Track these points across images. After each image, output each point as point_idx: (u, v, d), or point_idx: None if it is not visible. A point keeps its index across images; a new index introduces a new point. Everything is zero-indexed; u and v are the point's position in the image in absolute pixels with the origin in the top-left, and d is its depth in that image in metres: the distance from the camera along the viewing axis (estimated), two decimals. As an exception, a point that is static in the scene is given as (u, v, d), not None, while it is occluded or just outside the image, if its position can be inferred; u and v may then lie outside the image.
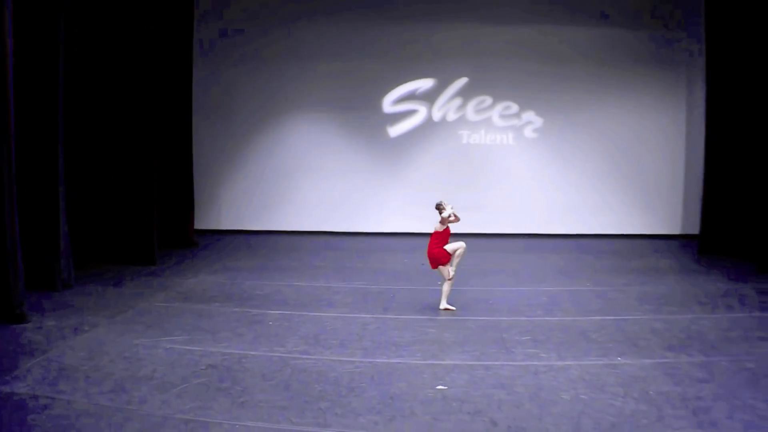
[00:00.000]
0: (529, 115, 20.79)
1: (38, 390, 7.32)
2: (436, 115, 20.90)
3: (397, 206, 20.68)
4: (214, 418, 6.68)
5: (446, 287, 11.23)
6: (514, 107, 20.81)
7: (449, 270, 11.16)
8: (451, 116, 20.88)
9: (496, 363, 8.45)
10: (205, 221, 20.53)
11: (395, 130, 20.99)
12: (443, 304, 11.19)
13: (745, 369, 8.18)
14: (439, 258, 11.13)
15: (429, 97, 20.91)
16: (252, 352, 8.81)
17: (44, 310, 10.82)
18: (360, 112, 20.89)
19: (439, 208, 11.20)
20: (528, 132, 20.85)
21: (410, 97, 20.90)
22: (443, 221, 11.13)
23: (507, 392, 7.41)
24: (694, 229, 18.80)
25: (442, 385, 7.64)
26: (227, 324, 10.22)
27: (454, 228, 11.32)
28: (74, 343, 9.10)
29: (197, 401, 7.09)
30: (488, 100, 20.79)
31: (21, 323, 10.04)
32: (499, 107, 20.81)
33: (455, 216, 11.16)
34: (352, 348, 9.12)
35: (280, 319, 10.55)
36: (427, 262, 11.36)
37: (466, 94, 20.84)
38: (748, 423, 6.61)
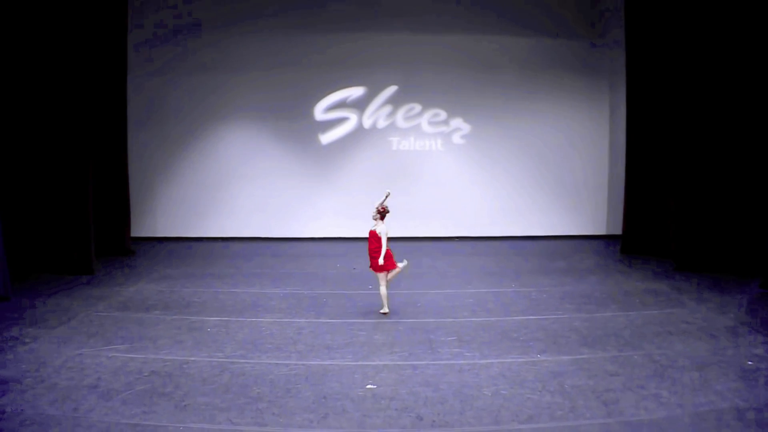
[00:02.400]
0: (457, 122, 21.26)
1: (-18, 404, 7.41)
2: (367, 123, 21.24)
3: (329, 212, 20.94)
4: (159, 422, 6.98)
5: (384, 290, 11.44)
6: (443, 114, 21.27)
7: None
8: (382, 123, 21.25)
9: (423, 363, 8.88)
10: (140, 228, 20.53)
11: (327, 138, 21.28)
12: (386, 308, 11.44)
13: (654, 362, 8.78)
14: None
15: (359, 105, 21.24)
16: (192, 358, 9.07)
17: (-19, 324, 10.76)
18: (292, 119, 21.13)
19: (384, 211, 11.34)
20: (456, 138, 21.32)
21: (341, 105, 21.21)
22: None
23: (432, 389, 7.85)
24: (619, 229, 19.40)
25: (371, 384, 8.05)
26: (167, 331, 10.42)
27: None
28: (15, 355, 9.15)
29: (142, 406, 7.35)
30: (417, 107, 21.23)
31: (-43, 337, 9.94)
32: (428, 114, 21.26)
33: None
34: (288, 351, 9.44)
35: (218, 326, 10.78)
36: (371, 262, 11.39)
37: (395, 101, 21.23)
38: (652, 410, 7.21)
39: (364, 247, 11.74)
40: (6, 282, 12.55)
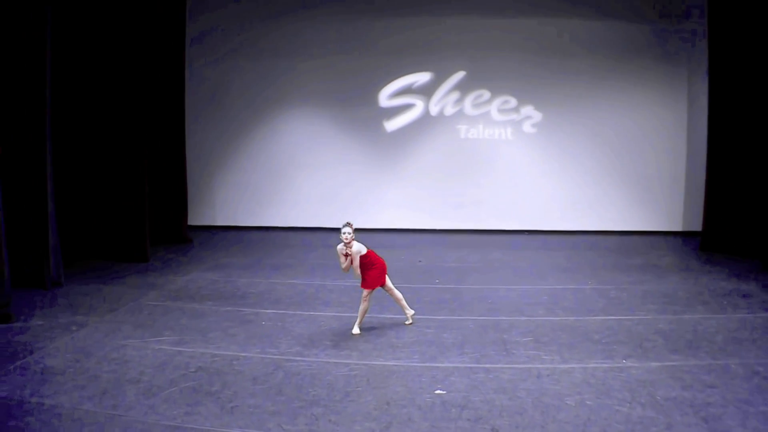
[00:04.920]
0: (528, 110, 20.44)
1: (20, 394, 7.09)
2: (434, 110, 20.54)
3: (394, 202, 20.38)
4: (202, 425, 6.43)
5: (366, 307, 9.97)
6: (513, 101, 20.46)
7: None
8: (449, 110, 20.53)
9: (497, 366, 8.15)
10: (199, 217, 20.31)
11: (392, 125, 20.65)
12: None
13: (756, 373, 7.86)
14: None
15: (426, 90, 20.55)
16: (243, 354, 8.55)
17: (32, 310, 10.60)
18: (355, 106, 20.58)
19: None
20: (527, 127, 20.50)
21: (407, 91, 20.54)
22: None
23: (509, 397, 7.12)
24: (696, 225, 18.55)
25: (440, 389, 7.36)
26: (219, 324, 9.95)
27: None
28: (61, 344, 8.86)
29: (185, 406, 6.83)
30: (486, 94, 20.45)
31: (6, 323, 9.84)
32: (498, 101, 20.47)
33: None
34: (348, 349, 8.84)
35: (273, 319, 10.28)
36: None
37: (463, 88, 20.48)
38: (763, 431, 6.32)
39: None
40: (59, 268, 12.44)
